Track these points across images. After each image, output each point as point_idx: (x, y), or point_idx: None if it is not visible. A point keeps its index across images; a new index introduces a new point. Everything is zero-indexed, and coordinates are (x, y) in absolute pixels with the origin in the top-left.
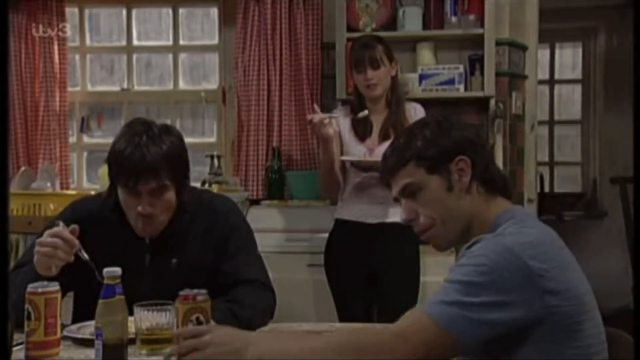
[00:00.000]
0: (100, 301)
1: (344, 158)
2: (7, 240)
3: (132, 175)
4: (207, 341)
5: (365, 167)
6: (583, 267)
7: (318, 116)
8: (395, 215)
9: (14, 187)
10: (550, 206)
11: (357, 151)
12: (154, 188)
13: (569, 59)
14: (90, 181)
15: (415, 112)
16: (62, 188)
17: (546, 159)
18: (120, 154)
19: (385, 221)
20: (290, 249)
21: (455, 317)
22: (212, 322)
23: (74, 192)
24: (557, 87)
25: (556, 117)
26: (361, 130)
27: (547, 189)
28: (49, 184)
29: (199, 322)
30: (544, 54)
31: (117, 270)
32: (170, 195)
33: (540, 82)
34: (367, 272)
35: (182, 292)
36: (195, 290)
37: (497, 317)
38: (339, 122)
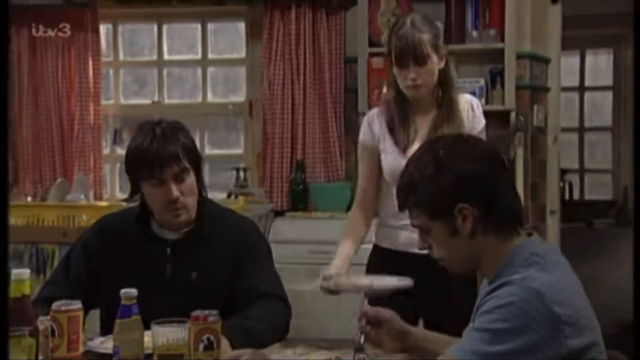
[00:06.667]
0: (118, 321)
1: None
2: (7, 241)
3: (156, 164)
4: None
5: None
6: (613, 275)
7: None
8: None
9: (50, 199)
10: (580, 214)
11: (398, 164)
12: (177, 173)
13: (601, 65)
14: (123, 192)
15: (474, 111)
16: (95, 199)
17: (576, 166)
18: (139, 149)
19: None
20: (313, 260)
21: None
22: (225, 341)
23: (105, 204)
24: (588, 94)
25: (587, 124)
26: (403, 138)
27: (577, 196)
28: (82, 196)
29: (209, 342)
30: (574, 60)
31: (133, 291)
32: (192, 179)
33: (571, 89)
34: (413, 312)
35: (193, 313)
36: (207, 311)
37: None
38: (375, 132)
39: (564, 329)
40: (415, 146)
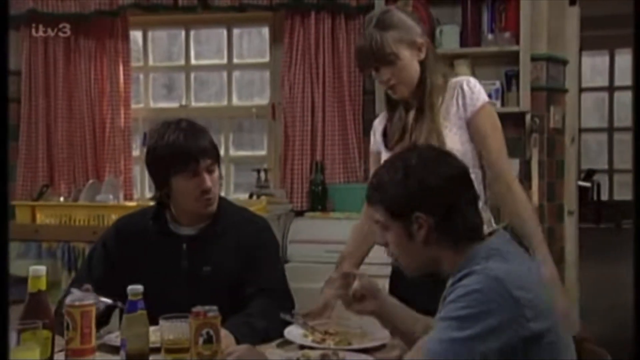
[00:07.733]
0: (125, 316)
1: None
2: (7, 241)
3: (192, 157)
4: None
5: None
6: None
7: None
8: None
9: (82, 199)
10: (609, 214)
11: None
12: (209, 165)
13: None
14: (152, 192)
15: (464, 91)
16: (126, 199)
17: (605, 166)
18: (173, 144)
19: None
20: (329, 259)
21: (450, 353)
22: (227, 334)
23: (134, 204)
24: (618, 94)
25: (617, 124)
26: (390, 137)
27: (606, 196)
28: (111, 197)
29: (209, 336)
30: (603, 61)
31: (139, 287)
32: (217, 172)
33: (600, 89)
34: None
35: (194, 309)
36: (207, 307)
37: (488, 347)
38: (377, 138)
39: (524, 312)
40: (400, 143)
